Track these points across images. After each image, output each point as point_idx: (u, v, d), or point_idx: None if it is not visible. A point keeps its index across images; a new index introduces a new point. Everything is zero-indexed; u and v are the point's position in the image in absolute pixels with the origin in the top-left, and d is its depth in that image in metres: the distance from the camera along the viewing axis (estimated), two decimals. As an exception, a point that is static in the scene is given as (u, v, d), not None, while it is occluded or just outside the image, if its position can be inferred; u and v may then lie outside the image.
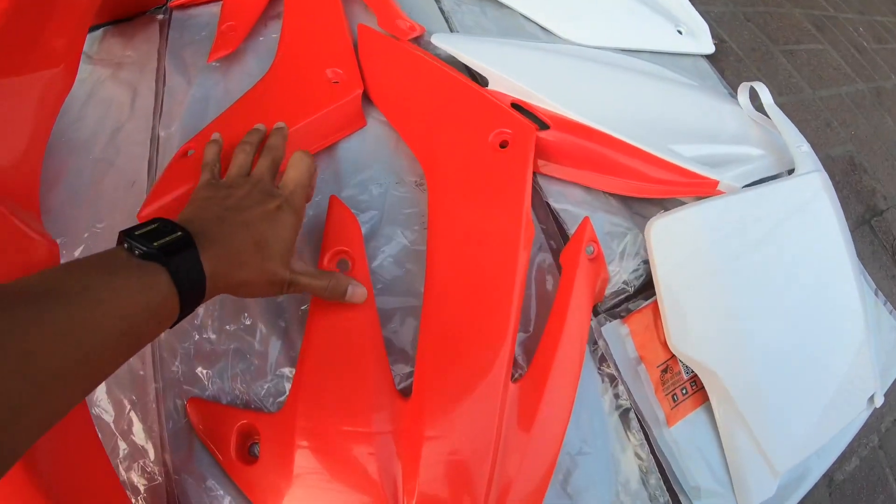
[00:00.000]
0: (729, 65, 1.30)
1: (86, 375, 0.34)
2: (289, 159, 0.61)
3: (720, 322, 0.74)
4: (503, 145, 0.75)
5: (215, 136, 0.63)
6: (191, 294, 0.41)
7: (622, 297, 0.79)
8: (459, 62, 0.89)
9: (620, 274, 0.79)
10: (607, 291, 0.78)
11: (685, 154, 0.84)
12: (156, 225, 0.43)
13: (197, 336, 0.66)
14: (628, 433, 0.71)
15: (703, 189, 0.82)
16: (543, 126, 0.84)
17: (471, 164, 0.73)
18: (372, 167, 0.81)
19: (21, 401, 0.28)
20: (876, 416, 0.92)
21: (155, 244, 0.40)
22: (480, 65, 0.88)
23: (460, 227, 0.68)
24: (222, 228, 0.47)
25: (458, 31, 1.05)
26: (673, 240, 0.75)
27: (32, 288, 0.33)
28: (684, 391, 0.75)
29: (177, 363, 0.64)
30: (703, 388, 0.75)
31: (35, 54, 0.69)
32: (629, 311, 0.76)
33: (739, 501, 0.73)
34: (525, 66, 0.89)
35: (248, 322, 0.67)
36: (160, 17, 1.03)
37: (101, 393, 0.62)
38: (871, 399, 0.86)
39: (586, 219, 0.74)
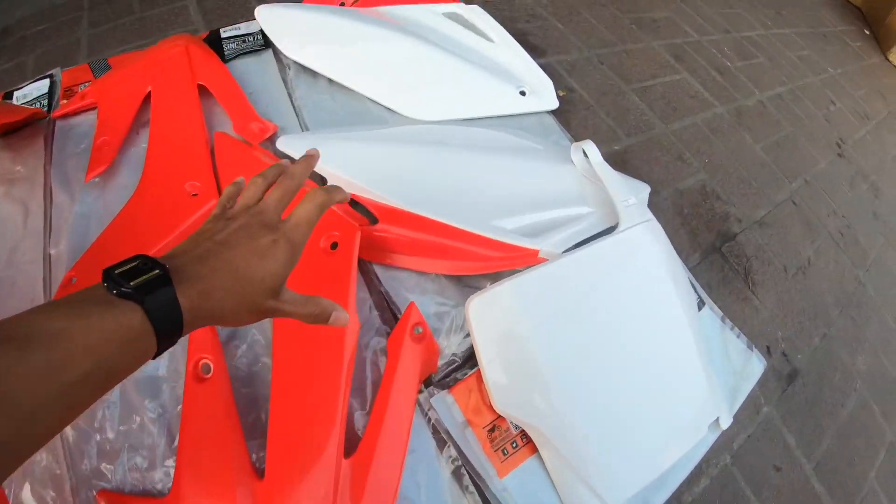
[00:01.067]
0: (577, 114, 1.36)
1: (62, 411, 0.36)
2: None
3: (539, 382, 0.80)
4: (334, 246, 0.82)
5: (238, 180, 0.63)
6: (167, 330, 0.42)
7: (452, 367, 0.85)
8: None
9: (450, 347, 0.86)
10: (440, 363, 0.84)
11: (509, 226, 0.91)
12: (136, 263, 0.43)
13: (98, 437, 0.73)
14: (462, 489, 0.77)
15: (526, 260, 0.87)
16: (374, 220, 0.90)
17: (305, 267, 0.76)
18: None
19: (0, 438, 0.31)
20: (727, 437, 0.98)
21: (132, 283, 0.40)
22: (319, 165, 0.88)
23: (297, 326, 0.71)
24: (206, 264, 0.47)
25: (307, 125, 1.10)
26: (489, 314, 0.81)
27: (13, 331, 0.35)
28: (514, 445, 0.81)
29: (85, 461, 0.71)
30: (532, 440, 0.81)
31: None
32: (456, 380, 0.83)
33: (578, 535, 0.78)
34: (359, 160, 0.94)
35: (137, 421, 0.74)
36: (45, 127, 1.06)
37: (26, 491, 0.70)
38: (717, 423, 0.93)
39: (410, 305, 0.82)
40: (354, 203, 0.91)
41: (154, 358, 0.43)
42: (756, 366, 1.06)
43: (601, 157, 1.02)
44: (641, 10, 1.95)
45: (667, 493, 0.87)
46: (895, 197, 1.93)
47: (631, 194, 0.98)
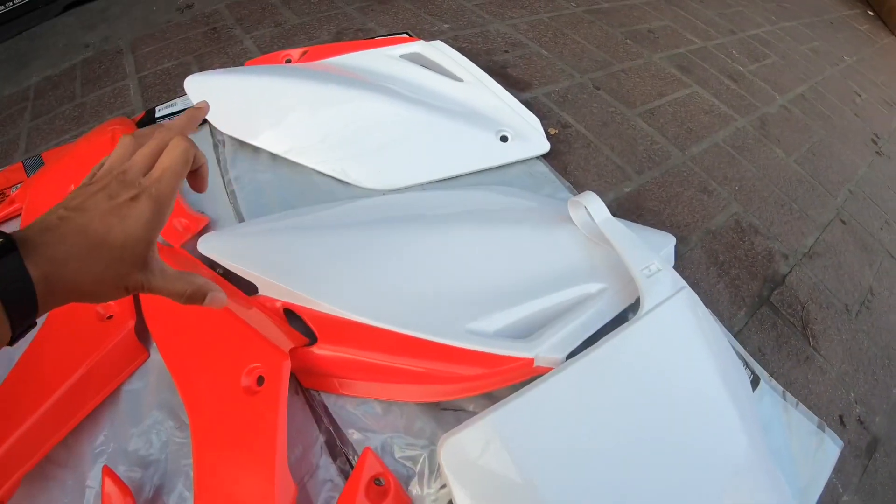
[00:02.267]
0: (575, 154, 1.17)
1: None
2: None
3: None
4: (260, 381, 0.66)
5: (123, 139, 0.54)
6: (18, 302, 0.39)
7: None
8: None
9: (427, 498, 0.66)
10: None
11: (493, 327, 0.71)
12: None
13: None
14: None
15: (518, 373, 0.67)
16: (313, 339, 0.72)
17: (226, 412, 0.66)
18: (153, 412, 0.74)
19: None
20: None
21: None
22: (245, 270, 0.76)
23: (219, 484, 0.62)
24: (56, 232, 0.42)
25: (241, 212, 0.94)
26: (471, 459, 0.60)
27: None
28: None
29: None
30: None
31: None
32: None
33: None
34: (293, 259, 0.77)
35: None
36: None
37: None
38: None
39: (366, 452, 0.64)
40: (291, 314, 0.75)
41: (11, 343, 0.40)
42: (830, 450, 0.85)
43: (608, 213, 0.82)
44: (634, 22, 1.79)
45: None
46: None
47: (653, 257, 0.78)
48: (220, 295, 0.53)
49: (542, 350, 0.67)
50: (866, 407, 0.96)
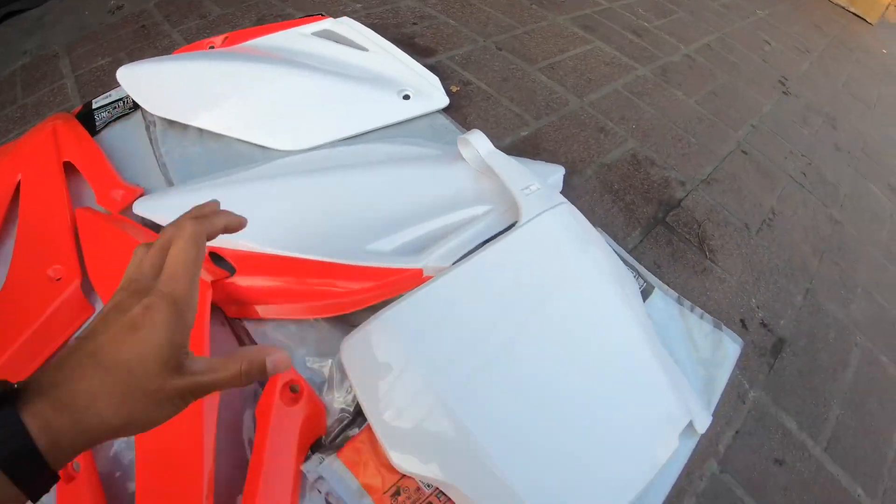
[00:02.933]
0: (475, 107, 1.23)
1: None
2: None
3: (445, 428, 0.64)
4: None
5: (136, 250, 0.48)
6: (18, 464, 0.33)
7: (344, 423, 0.71)
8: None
9: (337, 401, 0.71)
10: (329, 421, 0.70)
11: (389, 247, 0.77)
12: None
13: None
14: None
15: (409, 282, 0.73)
16: (232, 271, 0.78)
17: None
18: None
19: None
20: (709, 439, 0.83)
21: None
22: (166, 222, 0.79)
23: None
24: (63, 369, 0.37)
25: (173, 182, 0.99)
26: (368, 356, 0.67)
27: None
28: (431, 509, 0.64)
29: None
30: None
31: None
32: (347, 440, 0.68)
33: None
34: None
35: None
36: None
37: None
38: (691, 427, 0.77)
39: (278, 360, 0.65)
40: (215, 256, 0.80)
41: (35, 500, 0.35)
42: (730, 348, 0.91)
43: (491, 146, 0.88)
44: None
45: None
46: (854, 125, 1.83)
47: (534, 179, 0.84)
48: (279, 355, 0.47)
49: (430, 260, 0.72)
50: (770, 312, 1.02)
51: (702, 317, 0.91)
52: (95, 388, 0.37)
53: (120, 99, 1.16)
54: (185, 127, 1.08)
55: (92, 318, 0.45)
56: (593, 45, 1.56)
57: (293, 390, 0.67)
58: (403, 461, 0.63)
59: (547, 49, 1.51)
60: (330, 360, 0.73)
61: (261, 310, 0.78)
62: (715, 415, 0.82)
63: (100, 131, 1.09)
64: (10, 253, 0.91)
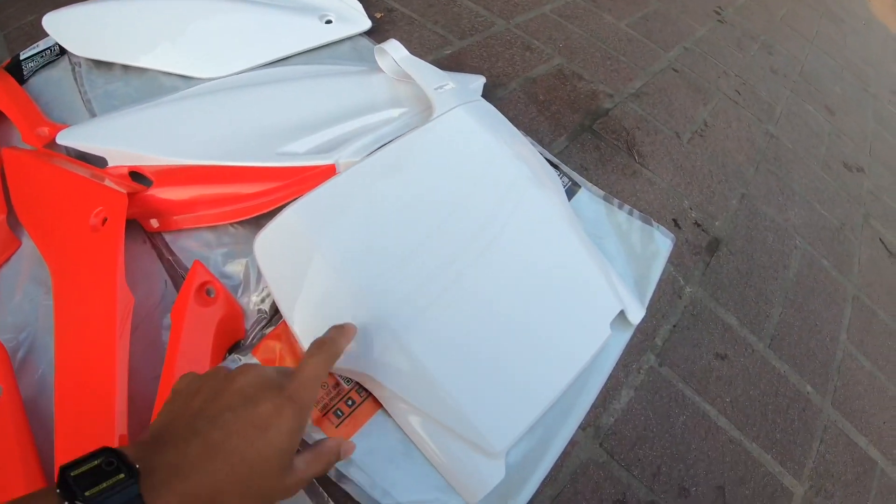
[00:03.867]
0: (399, 31, 1.21)
1: None
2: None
3: (361, 319, 0.62)
4: (105, 221, 0.70)
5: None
6: None
7: (262, 325, 0.70)
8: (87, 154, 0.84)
9: (253, 302, 0.71)
10: (248, 323, 0.69)
11: (302, 149, 0.76)
12: (99, 461, 0.34)
13: None
14: None
15: (323, 178, 0.71)
16: (148, 184, 0.77)
17: (76, 252, 0.70)
18: (25, 286, 0.77)
19: None
20: (645, 333, 0.84)
21: (87, 493, 0.32)
22: (95, 147, 0.81)
23: (72, 315, 0.65)
24: (188, 455, 0.37)
25: (98, 114, 0.98)
26: (279, 249, 0.65)
27: None
28: (350, 402, 0.64)
29: None
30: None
31: None
32: (262, 338, 0.67)
33: (465, 499, 0.61)
34: (135, 130, 0.82)
35: None
36: None
37: None
38: (624, 319, 0.77)
39: (195, 264, 0.68)
40: (136, 175, 0.80)
41: None
42: (661, 242, 0.90)
43: (406, 52, 0.88)
44: None
45: (576, 418, 0.71)
46: (792, 53, 1.84)
47: (447, 79, 0.83)
48: (347, 445, 0.51)
49: (343, 156, 0.72)
50: (703, 213, 1.03)
51: (630, 213, 0.91)
52: (221, 483, 0.37)
53: (47, 48, 1.16)
54: (109, 66, 1.08)
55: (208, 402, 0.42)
56: None
57: (209, 293, 0.66)
58: None
59: None
60: (246, 261, 0.72)
61: (178, 220, 0.77)
62: (650, 309, 0.82)
63: (27, 80, 1.10)
64: None
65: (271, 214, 0.71)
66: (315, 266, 0.64)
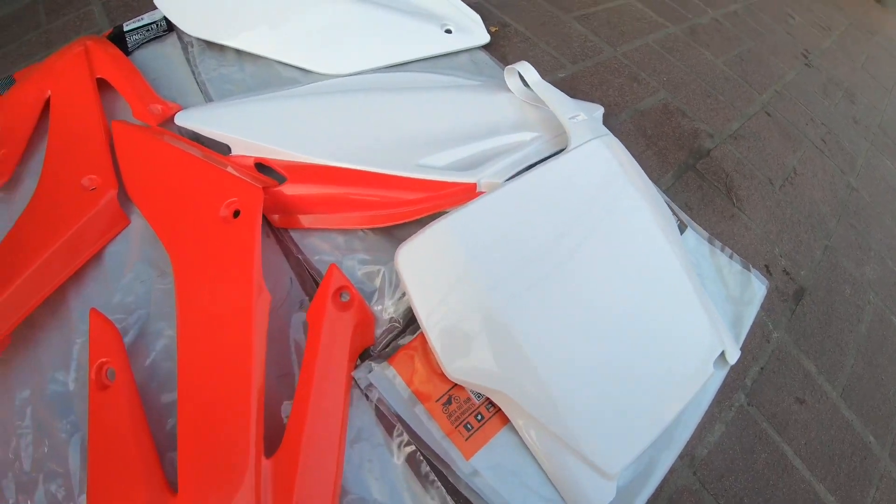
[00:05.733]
0: (514, 47, 1.24)
1: None
2: None
3: (497, 337, 0.66)
4: (237, 214, 0.70)
5: None
6: None
7: (393, 334, 0.72)
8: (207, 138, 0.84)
9: (387, 311, 0.73)
10: (378, 331, 0.71)
11: (441, 163, 0.78)
12: None
13: (14, 468, 0.64)
14: (423, 480, 0.64)
15: (462, 196, 0.74)
16: (282, 180, 0.78)
17: (205, 242, 0.70)
18: (136, 266, 0.78)
19: None
20: (737, 373, 0.87)
21: None
22: (219, 133, 0.82)
23: (200, 308, 0.65)
24: None
25: (213, 98, 0.99)
26: (423, 263, 0.67)
27: None
28: (479, 417, 0.67)
29: (6, 497, 0.63)
30: (501, 409, 0.67)
31: None
32: (398, 348, 0.70)
33: (576, 515, 0.63)
34: (262, 121, 0.83)
35: (49, 446, 0.65)
36: None
37: None
38: (723, 358, 0.79)
39: (331, 267, 0.68)
40: (261, 167, 0.81)
41: None
42: (757, 288, 0.92)
43: (539, 76, 0.89)
44: None
45: (676, 449, 0.74)
46: (872, 103, 1.84)
47: (580, 110, 0.86)
48: None
49: (484, 176, 0.74)
50: (791, 261, 1.05)
51: (731, 257, 0.94)
52: None
53: (153, 22, 1.16)
54: (222, 48, 1.08)
55: None
56: (625, 1, 1.56)
57: (343, 297, 0.67)
58: (456, 370, 0.65)
59: (581, 1, 1.51)
60: (382, 269, 0.74)
61: (308, 220, 0.79)
62: (743, 350, 0.84)
63: (132, 53, 1.09)
64: (39, 165, 0.92)
65: (405, 225, 0.75)
66: (458, 283, 0.67)
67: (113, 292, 0.76)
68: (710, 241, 0.95)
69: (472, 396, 0.67)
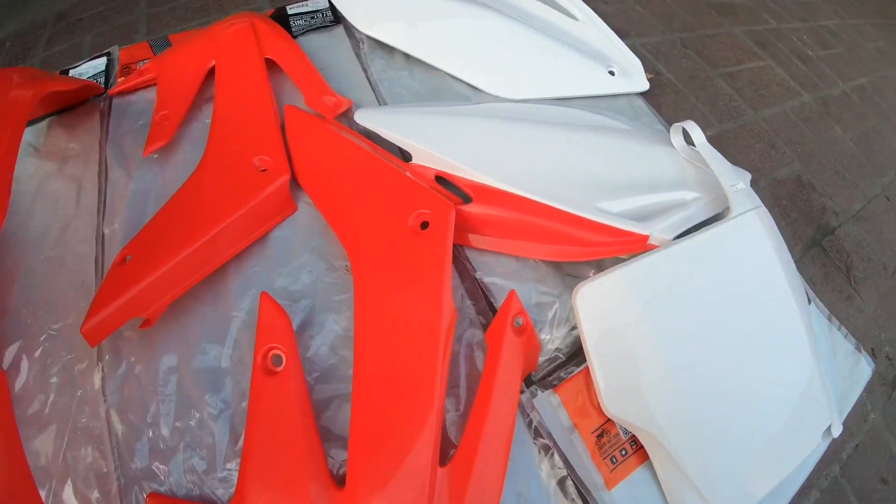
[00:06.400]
0: (667, 98, 1.29)
1: None
2: None
3: (654, 382, 0.73)
4: (424, 226, 0.74)
5: None
6: None
7: (556, 364, 0.79)
8: (383, 140, 0.89)
9: (552, 341, 0.79)
10: (541, 359, 0.78)
11: (614, 209, 0.84)
12: None
13: (151, 433, 0.67)
14: (568, 501, 0.70)
15: (634, 245, 0.80)
16: (466, 199, 0.83)
17: (392, 249, 0.73)
18: (303, 255, 0.81)
19: None
20: (836, 445, 0.91)
21: None
22: (403, 139, 0.87)
23: (383, 313, 0.68)
24: None
25: (385, 101, 1.05)
26: (600, 304, 0.73)
27: None
28: (623, 452, 0.74)
29: (136, 460, 0.66)
30: (643, 446, 0.74)
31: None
32: (561, 379, 0.76)
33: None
34: (447, 135, 0.88)
35: (195, 418, 0.69)
36: (101, 104, 1.02)
37: (68, 490, 0.65)
38: (829, 430, 0.85)
39: (511, 293, 0.74)
40: (442, 181, 0.85)
41: None
42: (864, 369, 0.98)
43: (704, 138, 0.94)
44: None
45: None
46: None
47: (739, 178, 0.91)
48: None
49: (657, 230, 0.80)
50: (894, 349, 1.10)
51: (846, 336, 0.99)
52: None
53: (318, 10, 1.20)
54: (390, 50, 1.13)
55: None
56: (765, 62, 1.61)
57: (517, 323, 0.71)
58: (615, 407, 0.72)
59: (726, 57, 1.56)
60: (556, 302, 0.81)
61: (484, 240, 0.84)
62: (844, 425, 0.90)
63: (296, 38, 1.13)
64: (200, 135, 0.95)
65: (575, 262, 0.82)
66: (630, 329, 0.74)
67: (275, 277, 0.79)
68: (830, 319, 1.01)
69: (620, 432, 0.75)
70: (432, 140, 0.86)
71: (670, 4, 1.68)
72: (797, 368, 0.83)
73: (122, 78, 1.06)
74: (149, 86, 1.04)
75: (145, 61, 1.09)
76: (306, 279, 0.79)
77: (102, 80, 1.08)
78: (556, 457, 0.70)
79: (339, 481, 0.61)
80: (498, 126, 0.92)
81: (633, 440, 0.75)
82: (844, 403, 0.94)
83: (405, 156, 0.89)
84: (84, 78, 1.07)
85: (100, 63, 1.12)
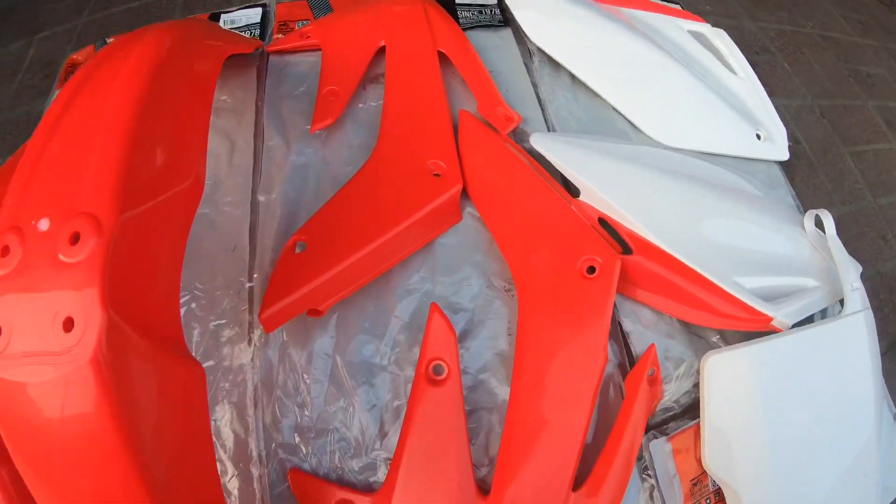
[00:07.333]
0: (800, 170, 1.32)
1: None
2: None
3: (750, 450, 0.84)
4: (590, 270, 0.77)
5: None
6: None
7: (670, 413, 0.89)
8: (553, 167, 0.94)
9: (673, 394, 0.89)
10: (658, 408, 0.88)
11: (747, 285, 0.93)
12: None
13: (299, 413, 0.72)
14: None
15: (758, 324, 0.90)
16: (627, 249, 0.90)
17: (559, 287, 0.77)
18: (464, 267, 0.84)
19: None
20: None
21: None
22: (574, 174, 0.91)
23: (545, 348, 0.73)
24: None
25: (552, 124, 1.09)
26: (725, 374, 0.84)
27: None
28: (708, 501, 0.87)
29: (280, 435, 0.71)
30: (725, 499, 0.86)
31: (167, 173, 0.60)
32: (674, 430, 0.87)
33: None
34: (614, 178, 0.93)
35: (347, 406, 0.73)
36: (256, 60, 1.00)
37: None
38: None
39: (652, 346, 0.85)
40: (604, 224, 0.87)
41: None
42: None
43: (835, 230, 1.02)
44: (858, 61, 1.88)
45: None
46: None
47: (857, 277, 1.00)
48: None
49: (780, 314, 0.90)
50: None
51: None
52: None
53: (487, 6, 1.18)
54: (558, 67, 1.14)
55: None
56: (891, 145, 1.63)
57: (650, 373, 0.79)
58: (713, 463, 0.83)
59: (857, 134, 1.58)
60: (685, 361, 0.91)
61: (637, 292, 0.93)
62: None
63: (464, 31, 1.12)
64: (365, 117, 0.97)
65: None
66: (743, 401, 0.85)
67: (437, 284, 0.82)
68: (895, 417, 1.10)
69: (710, 484, 0.87)
70: (600, 180, 0.91)
71: (814, 66, 1.70)
72: (858, 460, 0.93)
73: (279, 35, 1.04)
74: (310, 50, 1.01)
75: (304, 22, 1.07)
76: (466, 292, 0.82)
77: (257, 32, 1.07)
78: (656, 494, 0.83)
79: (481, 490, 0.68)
80: (659, 178, 0.98)
81: (718, 492, 0.87)
82: (887, 495, 1.01)
83: (571, 189, 0.94)
84: (235, 26, 1.07)
85: (253, 14, 1.10)
